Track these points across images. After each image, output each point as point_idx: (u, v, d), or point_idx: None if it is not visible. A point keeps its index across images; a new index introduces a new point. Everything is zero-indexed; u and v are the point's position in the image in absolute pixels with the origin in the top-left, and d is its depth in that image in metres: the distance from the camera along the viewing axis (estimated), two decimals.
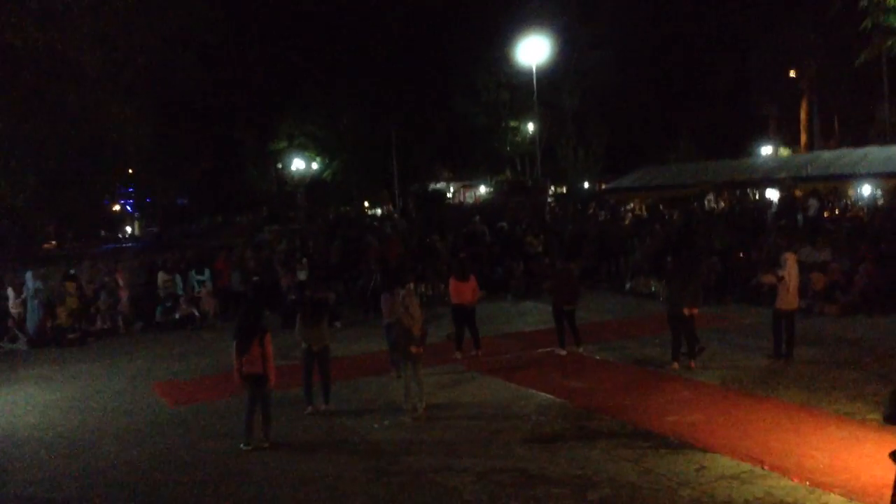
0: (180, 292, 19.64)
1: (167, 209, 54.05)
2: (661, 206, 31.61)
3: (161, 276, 19.78)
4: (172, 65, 25.20)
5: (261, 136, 47.61)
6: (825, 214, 24.92)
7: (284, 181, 50.37)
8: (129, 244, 43.61)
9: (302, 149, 46.87)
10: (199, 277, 20.30)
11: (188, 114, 38.84)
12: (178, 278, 19.95)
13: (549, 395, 11.07)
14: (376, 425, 10.07)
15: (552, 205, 38.61)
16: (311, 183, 47.66)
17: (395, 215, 42.27)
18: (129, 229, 59.79)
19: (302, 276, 19.58)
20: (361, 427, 10.08)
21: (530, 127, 42.63)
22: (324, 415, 10.63)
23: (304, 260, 20.87)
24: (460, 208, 46.50)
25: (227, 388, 11.17)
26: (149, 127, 25.52)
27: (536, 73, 34.31)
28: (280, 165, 50.37)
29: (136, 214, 58.78)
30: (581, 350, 13.63)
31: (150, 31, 21.65)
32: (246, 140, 48.01)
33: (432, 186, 54.04)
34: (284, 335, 13.67)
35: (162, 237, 47.21)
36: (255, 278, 20.34)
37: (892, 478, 5.33)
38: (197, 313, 19.14)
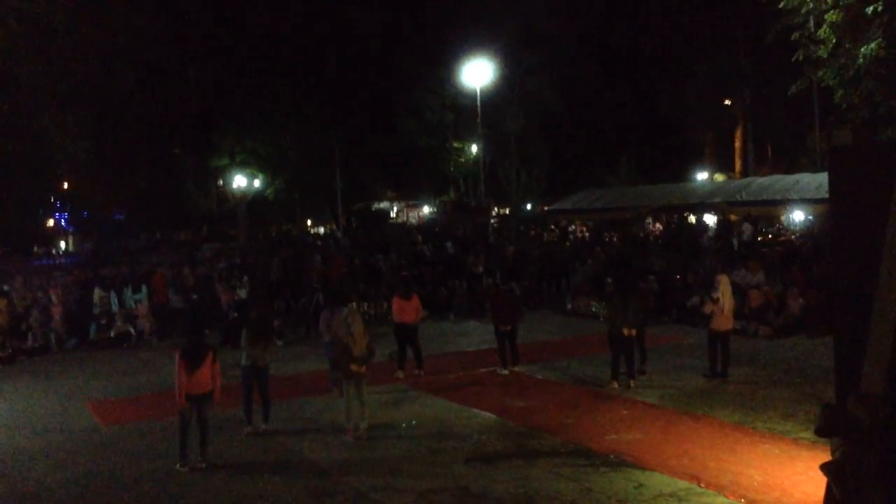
0: (116, 309, 19.16)
1: (103, 225, 52.70)
2: (601, 229, 32.16)
3: (97, 293, 19.28)
4: (111, 78, 24.71)
5: (201, 152, 46.85)
6: (759, 238, 25.67)
7: (225, 198, 49.60)
8: (64, 260, 42.31)
9: (244, 166, 46.24)
10: (136, 296, 19.83)
11: (127, 128, 38.00)
12: (114, 295, 19.48)
13: (490, 415, 11.11)
14: (317, 445, 9.95)
15: (495, 225, 38.93)
16: (252, 200, 46.99)
17: (339, 234, 42.04)
18: (63, 245, 58.09)
19: (242, 294, 19.32)
20: (302, 447, 9.95)
21: (474, 148, 43.00)
22: (263, 435, 10.46)
23: (245, 278, 20.60)
24: (404, 227, 46.51)
25: (163, 407, 10.93)
26: (85, 140, 24.90)
27: (480, 95, 34.68)
28: (221, 182, 49.61)
29: (71, 230, 57.17)
30: (522, 369, 13.72)
31: (89, 44, 21.22)
32: (186, 156, 47.20)
33: (376, 205, 53.93)
34: (223, 354, 13.40)
35: (98, 253, 45.96)
36: (193, 296, 19.96)
37: (823, 494, 5.50)
38: (133, 331, 18.69)
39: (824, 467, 1.97)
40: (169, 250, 37.98)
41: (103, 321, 18.79)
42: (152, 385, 13.89)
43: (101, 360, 16.96)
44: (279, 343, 16.89)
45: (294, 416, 11.38)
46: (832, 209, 2.55)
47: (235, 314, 17.35)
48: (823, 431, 2.24)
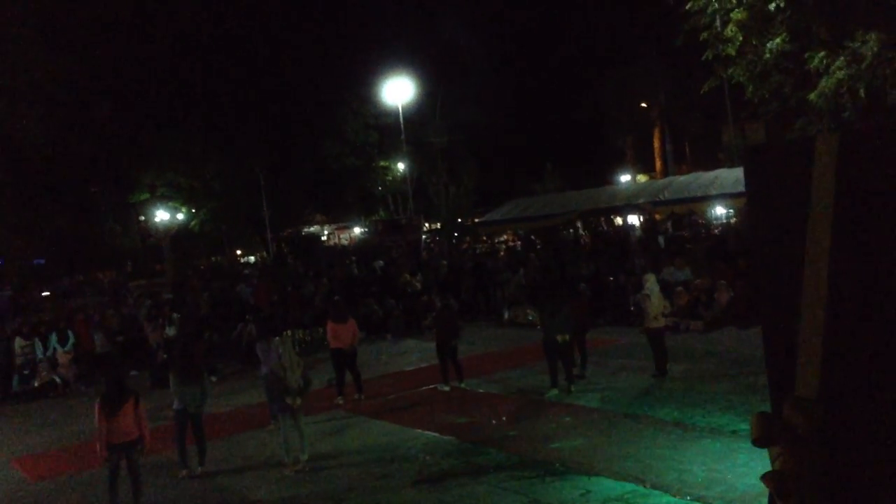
0: (41, 357, 18.34)
1: (22, 270, 50.71)
2: (532, 237, 32.41)
3: (18, 342, 18.43)
4: (19, 120, 23.86)
5: (120, 188, 45.60)
6: (684, 235, 26.24)
7: (149, 234, 48.38)
8: None
9: (165, 199, 45.20)
10: (62, 348, 18.84)
11: (40, 169, 36.73)
12: (38, 344, 18.64)
13: (435, 434, 10.96)
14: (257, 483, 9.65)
15: (427, 241, 38.90)
16: (177, 234, 45.94)
17: (268, 262, 41.39)
18: None
19: (171, 331, 18.73)
20: (243, 486, 9.62)
21: (401, 166, 42.97)
22: (200, 477, 10.08)
23: (174, 315, 19.99)
24: (335, 250, 46.06)
25: (94, 457, 10.43)
26: None
27: (403, 112, 34.69)
28: (143, 218, 48.38)
29: None
30: (464, 385, 13.63)
31: None
32: (104, 193, 45.87)
33: (306, 230, 53.32)
34: (154, 396, 12.96)
35: (18, 301, 44.16)
36: (119, 338, 19.29)
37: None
38: (58, 380, 17.91)
39: (765, 478, 1.93)
40: (93, 292, 36.76)
41: (26, 371, 17.97)
42: (81, 435, 13.29)
43: (26, 412, 16.21)
44: (213, 379, 16.46)
45: (232, 454, 11.02)
46: (751, 208, 2.52)
47: (164, 354, 16.80)
48: (760, 441, 2.18)
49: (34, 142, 28.03)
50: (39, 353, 18.47)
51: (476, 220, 40.98)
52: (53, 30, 28.03)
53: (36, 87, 23.36)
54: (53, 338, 19.05)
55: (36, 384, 17.72)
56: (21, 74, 22.06)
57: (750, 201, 2.47)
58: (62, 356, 18.48)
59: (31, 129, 25.18)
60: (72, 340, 19.03)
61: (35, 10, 24.27)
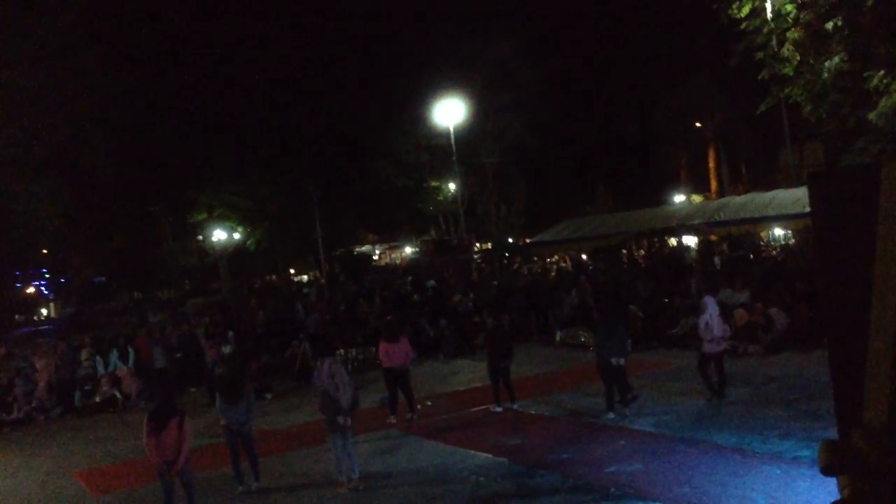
0: (102, 372, 18.84)
1: (83, 288, 52.23)
2: (584, 258, 32.21)
3: (84, 352, 19.04)
4: (82, 142, 24.69)
5: (178, 209, 46.75)
6: (742, 256, 25.79)
7: (206, 253, 49.40)
8: (46, 327, 41.80)
9: (222, 219, 46.16)
10: (124, 364, 19.36)
11: (101, 190, 37.91)
12: (100, 360, 19.18)
13: (488, 455, 10.93)
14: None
15: (478, 262, 38.92)
16: (233, 253, 46.82)
17: (322, 281, 41.87)
18: (44, 311, 57.45)
19: (227, 349, 19.06)
20: (296, 503, 9.73)
21: (452, 186, 43.21)
22: (256, 493, 10.22)
23: (231, 333, 20.35)
24: (387, 269, 46.36)
25: (152, 473, 10.65)
26: (60, 206, 24.80)
27: (454, 133, 34.91)
28: (201, 237, 49.45)
29: (51, 296, 56.60)
30: (516, 406, 13.58)
31: (60, 109, 21.22)
32: (163, 213, 47.06)
33: (358, 249, 53.85)
34: (212, 412, 13.19)
35: (79, 317, 45.50)
36: (177, 354, 19.70)
37: None
38: (118, 395, 18.36)
39: None
40: (152, 309, 37.64)
41: (87, 386, 18.46)
42: (140, 450, 13.52)
43: (88, 427, 16.62)
44: (267, 397, 16.72)
45: (286, 471, 11.15)
46: (816, 233, 2.51)
47: (219, 371, 17.10)
48: (828, 470, 2.15)
49: (98, 165, 28.95)
50: (101, 369, 18.98)
51: (527, 241, 40.96)
52: (115, 54, 29.05)
53: (99, 111, 24.17)
54: (115, 354, 19.57)
55: (97, 399, 18.18)
56: (85, 100, 22.85)
57: (815, 226, 2.45)
58: (123, 372, 18.96)
59: (95, 153, 26.03)
60: (132, 357, 19.52)
61: (96, 36, 25.17)
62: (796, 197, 22.54)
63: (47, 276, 52.13)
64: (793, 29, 15.12)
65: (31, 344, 22.58)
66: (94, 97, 23.01)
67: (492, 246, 46.10)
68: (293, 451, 12.26)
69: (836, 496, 2.22)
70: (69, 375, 18.90)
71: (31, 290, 54.67)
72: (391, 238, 55.55)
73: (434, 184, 45.57)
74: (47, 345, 21.09)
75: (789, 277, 19.09)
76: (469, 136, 39.84)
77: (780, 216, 22.68)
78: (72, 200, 29.90)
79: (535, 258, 37.25)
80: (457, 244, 39.96)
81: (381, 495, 9.64)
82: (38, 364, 18.77)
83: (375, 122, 43.62)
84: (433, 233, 47.35)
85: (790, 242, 27.52)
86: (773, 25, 15.49)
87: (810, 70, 15.39)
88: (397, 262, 53.56)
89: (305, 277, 51.77)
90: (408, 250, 54.52)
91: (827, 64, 14.78)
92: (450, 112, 35.16)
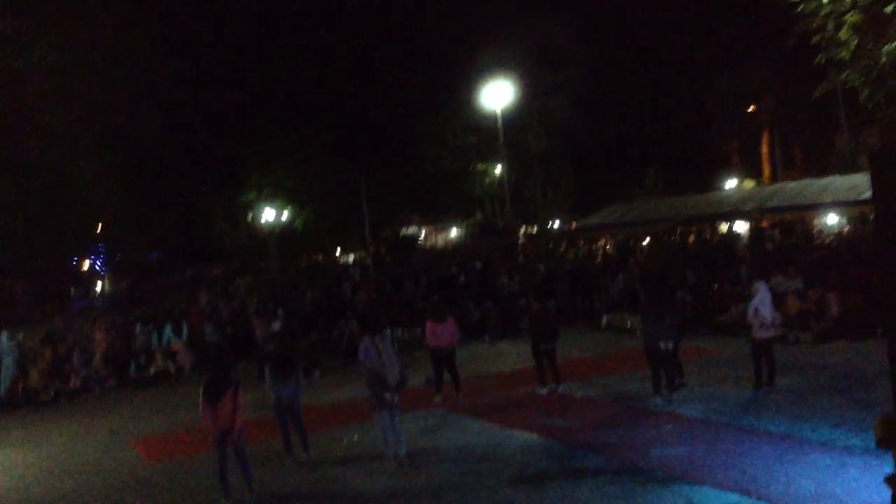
0: (156, 346, 19.38)
1: (137, 265, 53.43)
2: (632, 242, 31.93)
3: (139, 326, 19.60)
4: (140, 122, 25.23)
5: (229, 188, 47.50)
6: (794, 242, 25.34)
7: (255, 231, 50.11)
8: (100, 301, 42.93)
9: (271, 199, 46.75)
10: (176, 339, 19.87)
11: (156, 169, 38.74)
12: (155, 334, 19.72)
13: (532, 435, 11.02)
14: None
15: (524, 244, 38.85)
16: (281, 232, 47.41)
17: (368, 261, 42.22)
18: (99, 286, 58.93)
19: (276, 326, 19.41)
20: (346, 476, 9.95)
21: (498, 169, 43.08)
22: (306, 465, 10.47)
23: (280, 310, 20.72)
24: (432, 251, 46.53)
25: (206, 442, 10.97)
26: (117, 184, 25.41)
27: (502, 116, 34.78)
28: (250, 216, 50.16)
29: (105, 271, 58.02)
30: (561, 388, 13.62)
31: (118, 90, 21.71)
32: (215, 192, 47.81)
33: (404, 231, 54.08)
34: (262, 387, 13.48)
35: (133, 293, 46.61)
36: (228, 329, 20.13)
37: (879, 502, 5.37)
38: (173, 368, 18.86)
39: (889, 480, 1.91)
40: (203, 286, 38.41)
41: (142, 360, 19.00)
42: (195, 420, 13.96)
43: (142, 398, 17.15)
44: (316, 373, 17.02)
45: (335, 446, 11.38)
46: (877, 217, 2.51)
47: (269, 348, 17.44)
48: (884, 443, 2.18)
49: (153, 144, 29.57)
50: (155, 343, 19.52)
51: (574, 224, 40.72)
52: (169, 34, 29.54)
53: (154, 90, 24.65)
54: (168, 328, 20.10)
55: (152, 372, 18.70)
56: (141, 80, 23.33)
57: (877, 210, 2.45)
58: (177, 345, 19.47)
59: (151, 133, 26.60)
60: (186, 331, 20.03)
61: (152, 15, 25.60)
62: (852, 184, 22.05)
63: (103, 252, 53.43)
64: (851, 12, 14.77)
65: (88, 317, 23.24)
66: (150, 77, 23.46)
67: (537, 229, 45.92)
68: (341, 426, 12.49)
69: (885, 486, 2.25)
70: (125, 348, 19.47)
71: (86, 265, 56.07)
72: (437, 220, 55.65)
73: (480, 167, 45.49)
74: (105, 318, 21.71)
75: (843, 265, 18.74)
76: (516, 118, 39.62)
77: (835, 202, 22.19)
78: (128, 178, 30.62)
79: (582, 242, 37.03)
80: (503, 227, 39.99)
81: (427, 472, 9.80)
82: (98, 335, 19.35)
83: (423, 104, 43.68)
84: (479, 215, 47.33)
85: (845, 230, 26.93)
86: (829, 8, 15.14)
87: (868, 54, 14.97)
88: (443, 244, 53.65)
89: (352, 257, 52.21)
90: (454, 232, 54.59)
91: (885, 48, 14.36)
92: (497, 95, 35.01)
